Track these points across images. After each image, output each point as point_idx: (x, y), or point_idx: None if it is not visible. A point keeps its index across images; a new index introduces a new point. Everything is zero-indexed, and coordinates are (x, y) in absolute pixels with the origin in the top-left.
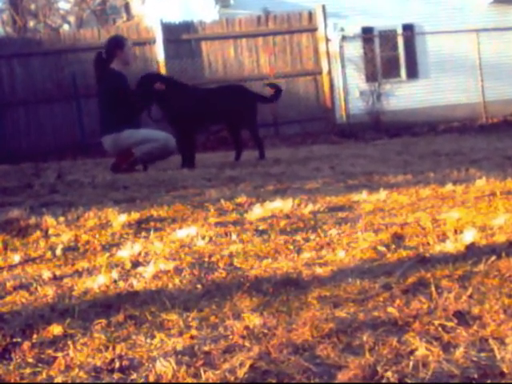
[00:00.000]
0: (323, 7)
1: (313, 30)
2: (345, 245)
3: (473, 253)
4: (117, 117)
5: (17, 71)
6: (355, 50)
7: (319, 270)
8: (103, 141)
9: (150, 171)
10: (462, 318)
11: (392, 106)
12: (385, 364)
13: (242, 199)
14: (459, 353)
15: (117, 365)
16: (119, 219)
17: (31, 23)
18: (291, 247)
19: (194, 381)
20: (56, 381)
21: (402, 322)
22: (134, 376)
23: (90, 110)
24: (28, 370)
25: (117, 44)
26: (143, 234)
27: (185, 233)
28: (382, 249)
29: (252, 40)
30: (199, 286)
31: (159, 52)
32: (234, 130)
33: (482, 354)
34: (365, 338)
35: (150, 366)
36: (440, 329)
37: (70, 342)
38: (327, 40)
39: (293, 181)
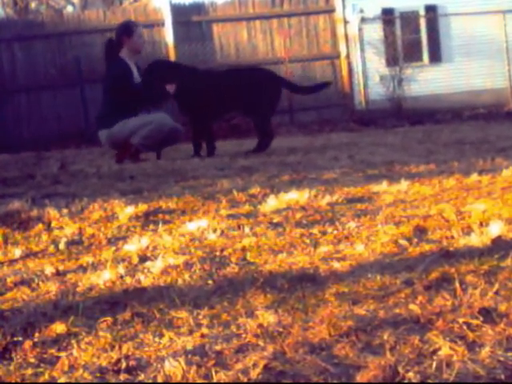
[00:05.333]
0: None
1: (330, 11)
2: (364, 238)
3: (499, 247)
4: (111, 110)
5: (18, 55)
6: (375, 32)
7: (337, 265)
8: (99, 135)
9: (158, 160)
10: (488, 315)
11: (414, 92)
12: (406, 364)
13: (255, 190)
14: (485, 352)
15: (123, 365)
16: (126, 211)
17: (33, 4)
18: (307, 241)
19: (205, 382)
20: (59, 382)
21: (425, 319)
22: (141, 377)
23: (95, 96)
24: (29, 371)
25: (124, 31)
26: (151, 226)
27: (195, 225)
28: (404, 242)
29: (266, 22)
30: (210, 281)
31: (168, 35)
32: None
33: (509, 354)
34: (385, 337)
35: (159, 366)
36: (465, 327)
37: (73, 341)
38: (345, 22)
39: (309, 171)
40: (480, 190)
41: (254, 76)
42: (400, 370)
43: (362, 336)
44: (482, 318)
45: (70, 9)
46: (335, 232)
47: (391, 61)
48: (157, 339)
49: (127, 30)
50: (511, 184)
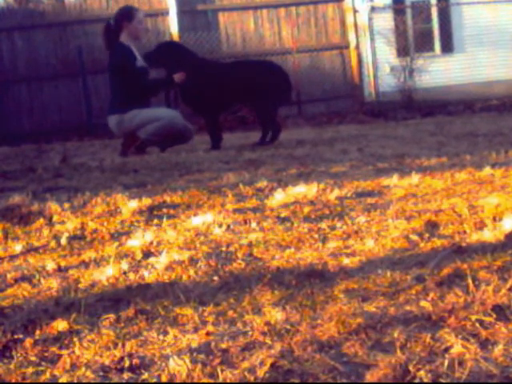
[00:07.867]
0: None
1: (339, 0)
2: (374, 233)
3: None
4: (122, 96)
5: (18, 45)
6: (385, 21)
7: (346, 261)
8: (108, 120)
9: (163, 153)
10: (502, 312)
11: (425, 83)
12: (417, 363)
13: (262, 184)
14: (498, 350)
15: (127, 363)
16: (129, 205)
17: None
18: (316, 236)
19: (211, 381)
20: (60, 381)
21: (436, 316)
22: (145, 375)
23: (98, 86)
24: (30, 369)
25: (125, 15)
26: (155, 221)
27: (200, 220)
28: (415, 238)
29: (273, 11)
30: (216, 277)
31: (172, 24)
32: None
33: None
34: (396, 335)
35: (163, 364)
36: (477, 324)
37: (75, 339)
38: (355, 11)
39: (318, 164)
40: (493, 184)
41: (260, 69)
42: (411, 368)
43: (371, 334)
44: (495, 315)
45: None
46: (344, 227)
47: (402, 51)
48: (161, 337)
49: (128, 14)
50: None
